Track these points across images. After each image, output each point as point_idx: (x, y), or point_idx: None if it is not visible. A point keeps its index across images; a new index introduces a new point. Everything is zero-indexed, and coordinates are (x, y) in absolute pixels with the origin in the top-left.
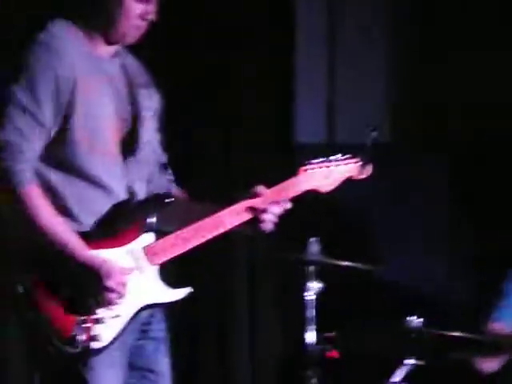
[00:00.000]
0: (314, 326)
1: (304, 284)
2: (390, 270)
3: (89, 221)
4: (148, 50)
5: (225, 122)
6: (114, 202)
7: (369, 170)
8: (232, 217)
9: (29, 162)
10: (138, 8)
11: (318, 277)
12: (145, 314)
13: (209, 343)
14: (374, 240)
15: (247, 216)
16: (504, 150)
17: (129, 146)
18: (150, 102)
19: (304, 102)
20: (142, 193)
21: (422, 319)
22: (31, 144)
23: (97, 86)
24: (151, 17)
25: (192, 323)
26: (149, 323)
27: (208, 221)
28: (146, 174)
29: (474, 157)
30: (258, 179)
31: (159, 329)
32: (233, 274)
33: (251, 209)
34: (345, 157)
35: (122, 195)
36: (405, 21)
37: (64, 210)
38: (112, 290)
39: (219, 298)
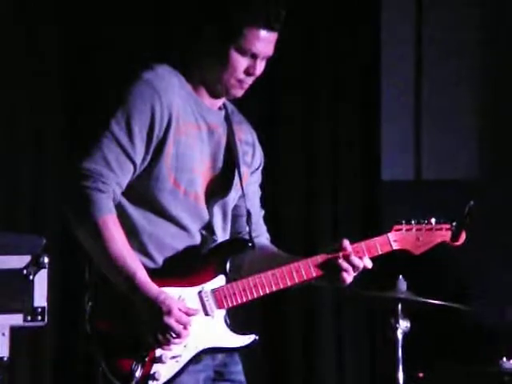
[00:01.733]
0: (401, 366)
1: (391, 322)
2: (481, 310)
3: (162, 258)
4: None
5: (311, 160)
6: (191, 242)
7: (463, 237)
8: (309, 268)
9: (111, 193)
10: (243, 63)
11: (406, 315)
12: (220, 355)
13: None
14: (463, 278)
15: (326, 269)
16: None
17: (217, 193)
18: (251, 159)
19: (390, 139)
20: (221, 240)
21: None
22: (117, 177)
23: (193, 131)
24: (257, 72)
25: (276, 361)
26: (225, 365)
27: (283, 269)
28: (231, 225)
29: None
30: (345, 222)
31: (236, 371)
32: (318, 311)
33: (331, 263)
34: (439, 221)
35: (198, 238)
36: (495, 53)
37: (138, 245)
38: (172, 329)
39: (304, 336)
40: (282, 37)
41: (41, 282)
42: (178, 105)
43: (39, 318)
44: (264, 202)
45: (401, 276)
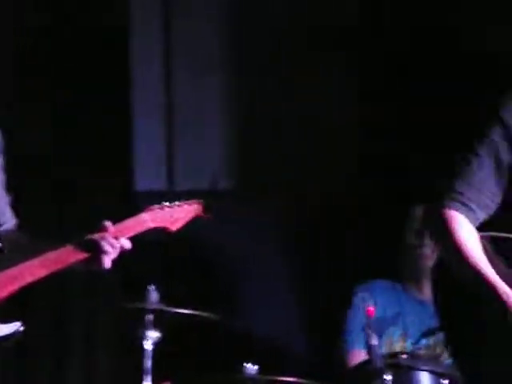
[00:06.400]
0: (150, 376)
1: (142, 333)
2: (228, 320)
3: None
4: None
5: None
6: None
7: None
8: (69, 254)
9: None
10: None
11: (157, 325)
12: None
13: None
14: (223, 287)
15: (87, 252)
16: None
17: None
18: None
19: (142, 151)
20: None
21: (257, 366)
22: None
23: None
24: None
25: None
26: None
27: (35, 260)
28: None
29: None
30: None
31: None
32: (68, 320)
33: (92, 244)
34: (185, 200)
35: None
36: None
37: None
38: None
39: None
40: None
41: None
42: None
43: None
44: None
45: (151, 286)
